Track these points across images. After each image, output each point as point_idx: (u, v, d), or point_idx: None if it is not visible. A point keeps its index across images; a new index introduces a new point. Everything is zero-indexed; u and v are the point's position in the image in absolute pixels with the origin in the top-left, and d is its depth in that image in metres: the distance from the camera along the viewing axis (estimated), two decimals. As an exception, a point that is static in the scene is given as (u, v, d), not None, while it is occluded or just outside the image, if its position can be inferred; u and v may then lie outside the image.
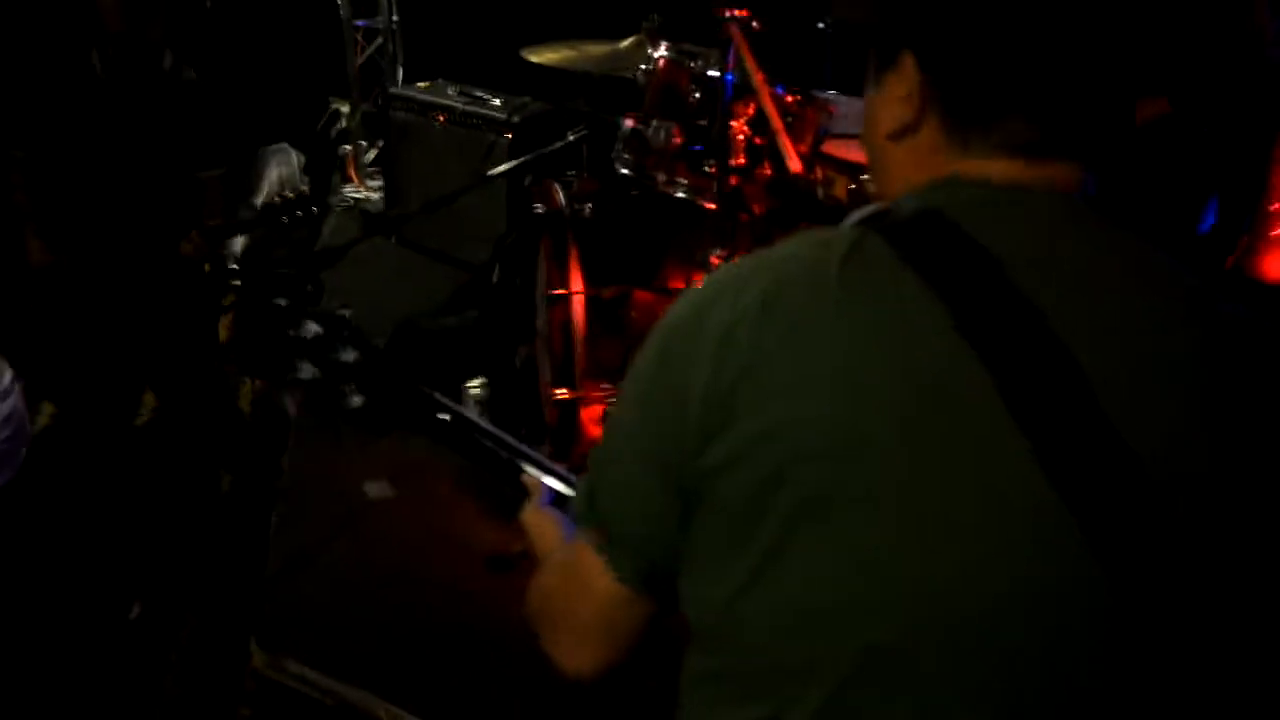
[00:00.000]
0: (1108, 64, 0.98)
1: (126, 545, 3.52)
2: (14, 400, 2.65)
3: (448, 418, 1.27)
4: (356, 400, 1.23)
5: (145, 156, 3.38)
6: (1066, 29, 0.96)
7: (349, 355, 1.23)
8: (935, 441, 0.90)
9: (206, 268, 4.19)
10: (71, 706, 2.99)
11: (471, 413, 1.27)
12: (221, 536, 3.53)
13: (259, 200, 5.60)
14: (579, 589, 1.07)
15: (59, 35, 3.61)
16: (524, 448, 1.30)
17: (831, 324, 0.92)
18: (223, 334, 4.60)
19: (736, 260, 1.02)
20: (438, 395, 1.27)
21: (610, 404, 3.08)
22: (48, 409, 3.87)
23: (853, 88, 3.67)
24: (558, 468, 1.30)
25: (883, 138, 1.04)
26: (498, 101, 4.95)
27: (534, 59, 3.87)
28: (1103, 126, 0.99)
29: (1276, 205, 2.51)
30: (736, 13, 2.84)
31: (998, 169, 0.98)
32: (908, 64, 1.01)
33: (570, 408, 3.10)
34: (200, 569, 3.55)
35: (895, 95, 1.02)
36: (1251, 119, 2.47)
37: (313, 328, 1.23)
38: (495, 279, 3.87)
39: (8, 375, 2.63)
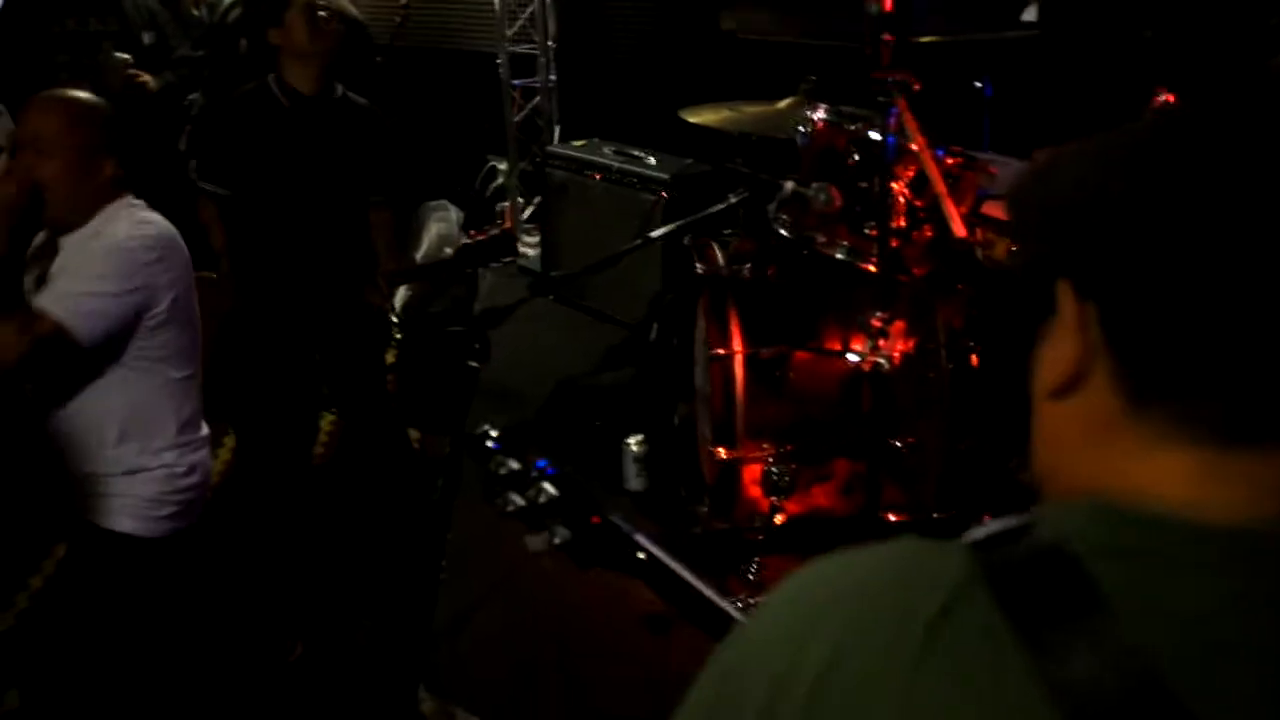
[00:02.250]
0: None
1: (299, 584, 3.67)
2: (205, 453, 2.81)
3: (643, 556, 1.34)
4: (562, 534, 1.32)
5: (327, 175, 3.59)
6: None
7: (551, 491, 1.32)
8: None
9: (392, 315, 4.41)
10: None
11: (666, 555, 1.33)
12: (394, 582, 3.65)
13: (420, 255, 5.80)
14: None
15: (247, 75, 3.88)
16: (709, 591, 1.34)
17: (903, 713, 0.74)
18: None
19: (814, 574, 0.83)
20: (638, 537, 1.34)
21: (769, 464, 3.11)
22: (228, 442, 4.08)
23: (1009, 148, 3.66)
24: (727, 604, 1.32)
25: (1043, 399, 0.83)
26: (653, 160, 5.04)
27: (692, 120, 3.95)
28: None
29: None
30: (898, 76, 2.86)
31: (1176, 471, 0.75)
32: (1065, 296, 0.81)
33: (731, 467, 3.13)
34: (371, 612, 3.68)
35: (1056, 343, 0.82)
36: None
37: (512, 464, 1.33)
38: (653, 337, 3.93)
39: (205, 429, 2.80)
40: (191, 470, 2.74)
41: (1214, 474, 0.74)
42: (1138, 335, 0.75)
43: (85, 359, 2.50)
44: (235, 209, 3.63)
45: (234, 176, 3.61)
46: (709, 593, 1.32)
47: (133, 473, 2.64)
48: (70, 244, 2.60)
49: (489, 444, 1.37)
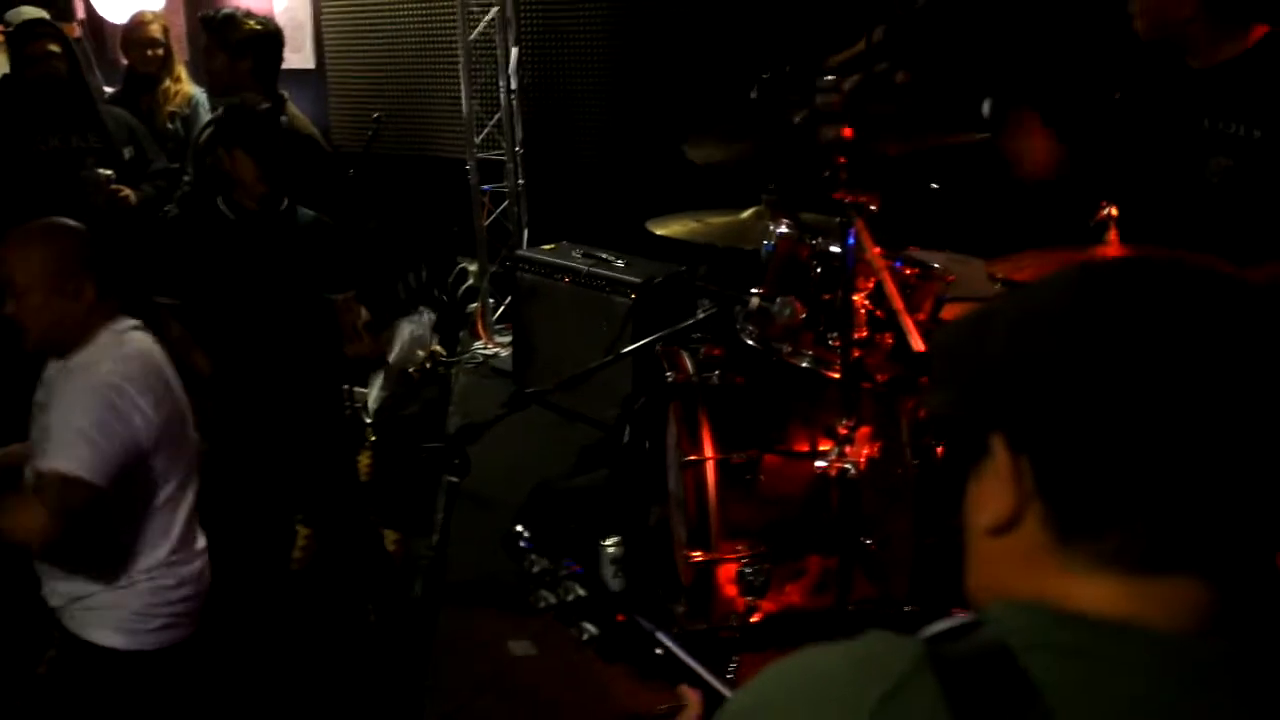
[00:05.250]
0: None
1: (285, 690, 3.71)
2: (199, 564, 2.86)
3: (661, 652, 1.44)
4: (591, 631, 1.42)
5: (276, 285, 3.75)
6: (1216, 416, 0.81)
7: (579, 591, 1.42)
8: None
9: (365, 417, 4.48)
10: None
11: (684, 652, 1.43)
12: (378, 687, 3.71)
13: (392, 357, 5.90)
14: None
15: (196, 192, 4.04)
16: (719, 685, 1.44)
17: None
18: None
19: (781, 668, 0.93)
20: (660, 635, 1.44)
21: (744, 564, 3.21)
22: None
23: (966, 246, 3.83)
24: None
25: (979, 535, 0.95)
26: (622, 263, 5.17)
27: (658, 231, 4.10)
28: (1243, 537, 0.84)
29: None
30: (855, 198, 3.01)
31: (1103, 593, 0.85)
32: (999, 448, 0.91)
33: (706, 569, 3.23)
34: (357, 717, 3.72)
35: (989, 486, 0.93)
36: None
37: (544, 563, 1.44)
38: (626, 439, 4.04)
39: (202, 539, 2.86)
40: (182, 583, 2.77)
41: (1135, 595, 0.85)
42: (1066, 486, 0.86)
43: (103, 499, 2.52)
44: (191, 320, 3.76)
45: (185, 288, 3.75)
46: (719, 686, 1.42)
47: (120, 587, 2.67)
48: (59, 373, 2.63)
49: (521, 544, 1.47)
